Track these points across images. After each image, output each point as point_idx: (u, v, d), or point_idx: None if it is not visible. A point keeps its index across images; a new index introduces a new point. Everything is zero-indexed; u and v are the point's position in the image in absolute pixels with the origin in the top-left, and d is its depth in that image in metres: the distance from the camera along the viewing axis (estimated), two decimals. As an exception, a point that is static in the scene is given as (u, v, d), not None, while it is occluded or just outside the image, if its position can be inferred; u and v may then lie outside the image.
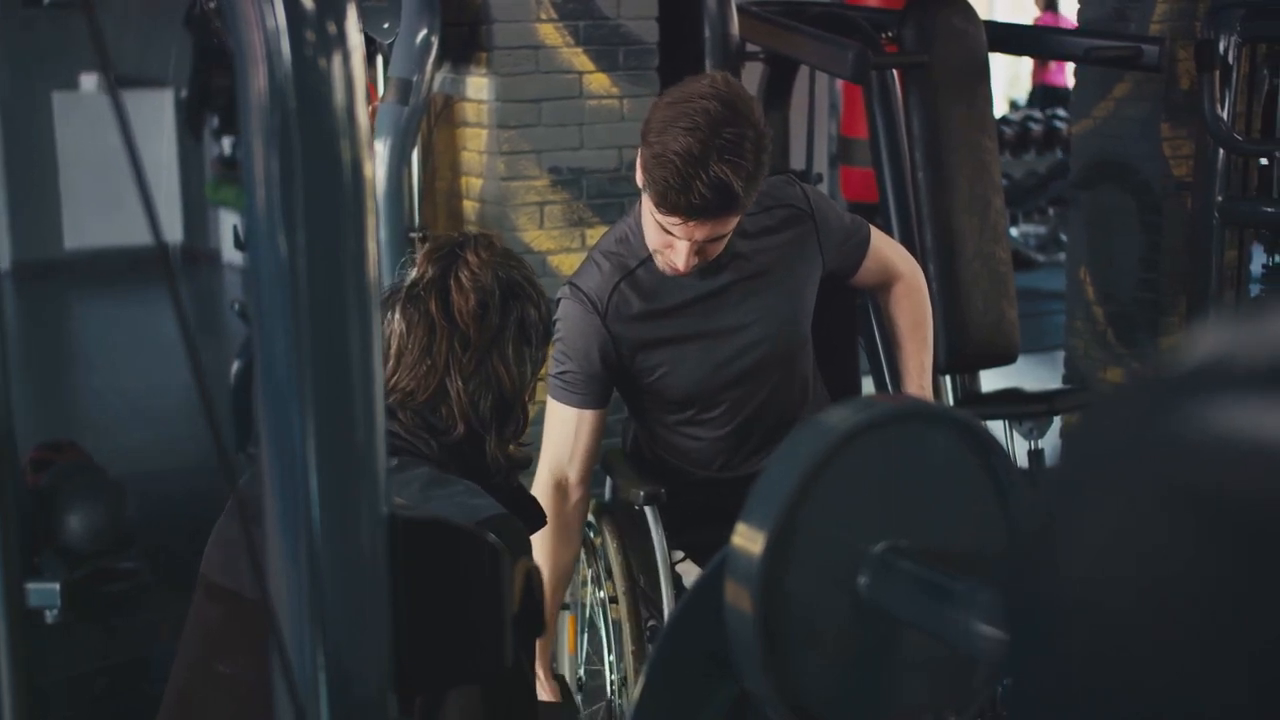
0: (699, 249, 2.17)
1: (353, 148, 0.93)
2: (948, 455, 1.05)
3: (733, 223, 2.17)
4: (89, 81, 8.80)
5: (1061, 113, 9.81)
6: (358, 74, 0.94)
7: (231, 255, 8.92)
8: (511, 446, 1.75)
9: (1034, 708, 0.45)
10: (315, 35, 0.92)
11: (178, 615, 3.81)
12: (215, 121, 8.54)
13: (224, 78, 8.01)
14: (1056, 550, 0.41)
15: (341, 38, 0.93)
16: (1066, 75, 10.51)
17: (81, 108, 8.76)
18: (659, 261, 2.24)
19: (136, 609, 3.75)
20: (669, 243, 2.17)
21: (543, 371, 1.85)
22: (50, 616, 2.87)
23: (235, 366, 4.87)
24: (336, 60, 0.92)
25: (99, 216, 8.54)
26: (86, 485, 3.63)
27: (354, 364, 0.95)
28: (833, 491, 0.99)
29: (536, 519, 1.77)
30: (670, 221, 2.13)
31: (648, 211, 2.17)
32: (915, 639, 1.04)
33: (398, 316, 1.71)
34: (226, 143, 8.83)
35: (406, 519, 0.98)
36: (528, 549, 1.60)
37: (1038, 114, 9.94)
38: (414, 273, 1.76)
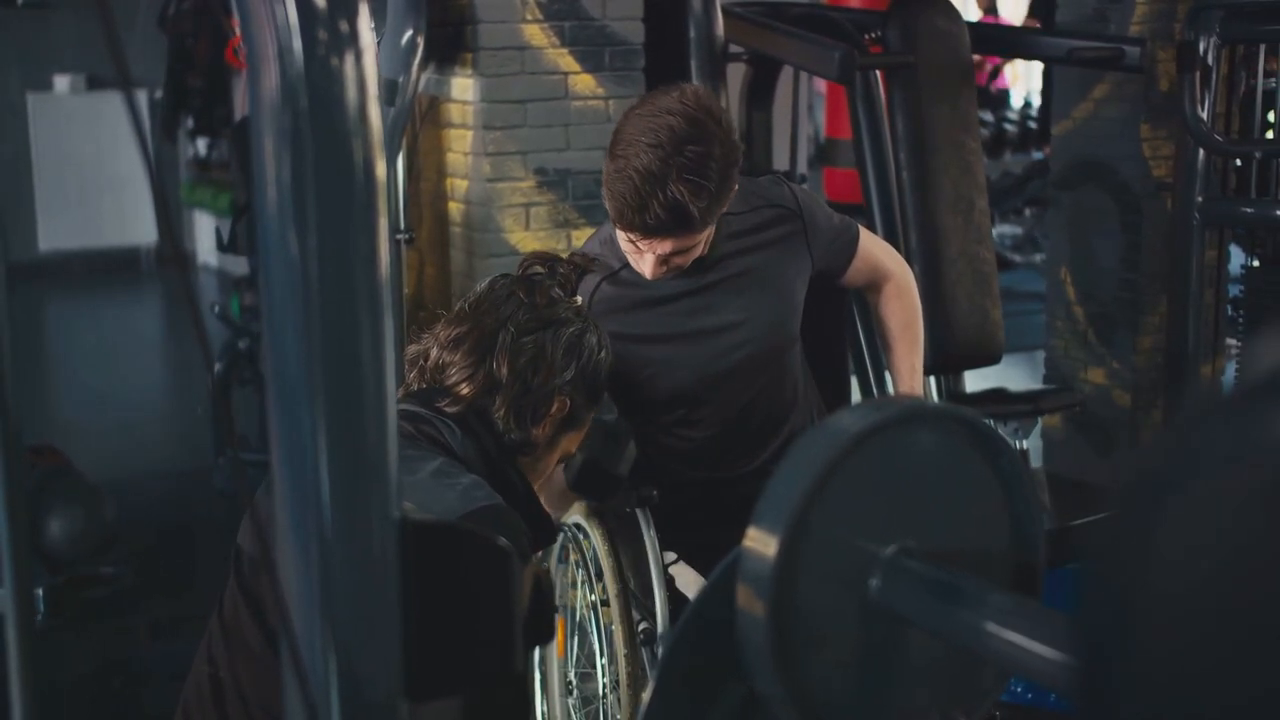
0: (664, 260, 2.18)
1: (365, 147, 0.92)
2: (957, 456, 1.04)
3: (698, 238, 2.18)
4: (62, 83, 8.73)
5: (1033, 113, 9.85)
6: (370, 72, 0.93)
7: (207, 257, 8.87)
8: (526, 428, 1.81)
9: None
10: (327, 33, 0.91)
11: (160, 618, 3.78)
12: (190, 123, 8.49)
13: (198, 79, 7.96)
14: (1147, 560, 0.40)
15: (354, 36, 0.92)
16: (1004, 79, 10.61)
17: (55, 109, 8.68)
18: (633, 265, 2.25)
19: (119, 613, 3.72)
20: (635, 252, 2.18)
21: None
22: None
23: (215, 370, 4.83)
24: (349, 59, 0.91)
25: (73, 218, 8.48)
26: (67, 489, 3.59)
27: (365, 366, 0.94)
28: (844, 494, 0.99)
29: (547, 535, 1.83)
30: (629, 236, 2.14)
31: None
32: (926, 641, 1.04)
33: (484, 286, 1.87)
34: (201, 144, 8.78)
35: (417, 523, 0.97)
36: (523, 543, 1.62)
37: (1013, 115, 9.99)
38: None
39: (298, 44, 0.90)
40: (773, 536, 0.98)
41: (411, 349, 1.86)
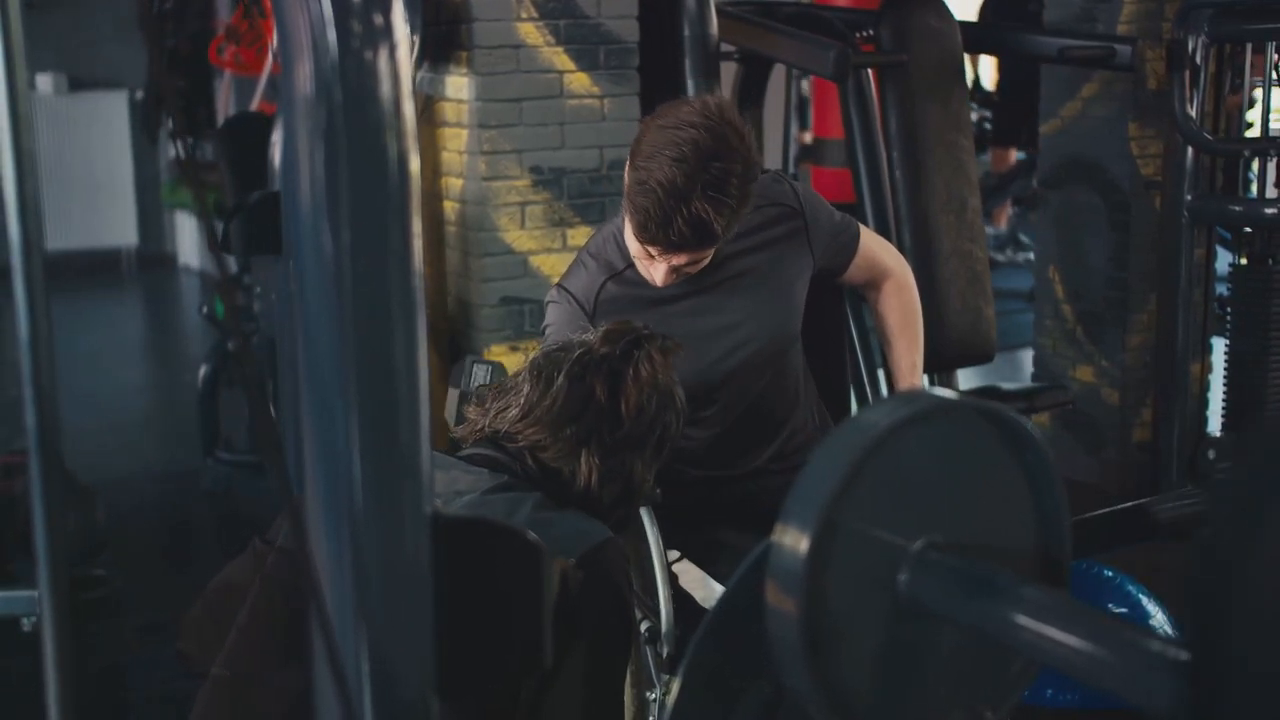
0: (676, 269, 2.18)
1: (399, 142, 0.92)
2: (984, 450, 1.04)
3: (712, 251, 2.17)
4: (45, 83, 8.68)
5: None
6: (404, 67, 0.92)
7: (188, 258, 8.82)
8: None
9: None
10: (361, 27, 0.90)
11: (151, 620, 3.75)
12: (171, 123, 8.43)
13: (180, 79, 7.92)
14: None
15: (388, 29, 0.91)
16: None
17: (38, 109, 8.63)
18: (640, 270, 2.25)
19: (111, 614, 3.69)
20: (648, 260, 2.18)
21: None
22: (28, 624, 2.82)
23: (203, 371, 4.81)
24: (383, 53, 0.91)
25: (60, 219, 8.41)
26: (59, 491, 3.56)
27: (398, 362, 0.93)
28: (873, 489, 0.99)
29: None
30: (647, 249, 2.13)
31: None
32: (954, 636, 1.03)
33: (561, 378, 1.77)
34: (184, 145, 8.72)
35: (449, 518, 0.97)
36: (628, 572, 1.66)
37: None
38: (584, 341, 1.84)
39: (332, 37, 0.89)
40: (804, 533, 0.97)
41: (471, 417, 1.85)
